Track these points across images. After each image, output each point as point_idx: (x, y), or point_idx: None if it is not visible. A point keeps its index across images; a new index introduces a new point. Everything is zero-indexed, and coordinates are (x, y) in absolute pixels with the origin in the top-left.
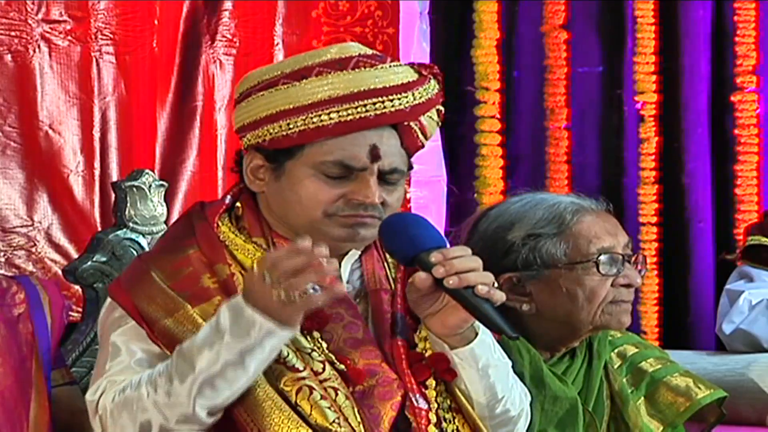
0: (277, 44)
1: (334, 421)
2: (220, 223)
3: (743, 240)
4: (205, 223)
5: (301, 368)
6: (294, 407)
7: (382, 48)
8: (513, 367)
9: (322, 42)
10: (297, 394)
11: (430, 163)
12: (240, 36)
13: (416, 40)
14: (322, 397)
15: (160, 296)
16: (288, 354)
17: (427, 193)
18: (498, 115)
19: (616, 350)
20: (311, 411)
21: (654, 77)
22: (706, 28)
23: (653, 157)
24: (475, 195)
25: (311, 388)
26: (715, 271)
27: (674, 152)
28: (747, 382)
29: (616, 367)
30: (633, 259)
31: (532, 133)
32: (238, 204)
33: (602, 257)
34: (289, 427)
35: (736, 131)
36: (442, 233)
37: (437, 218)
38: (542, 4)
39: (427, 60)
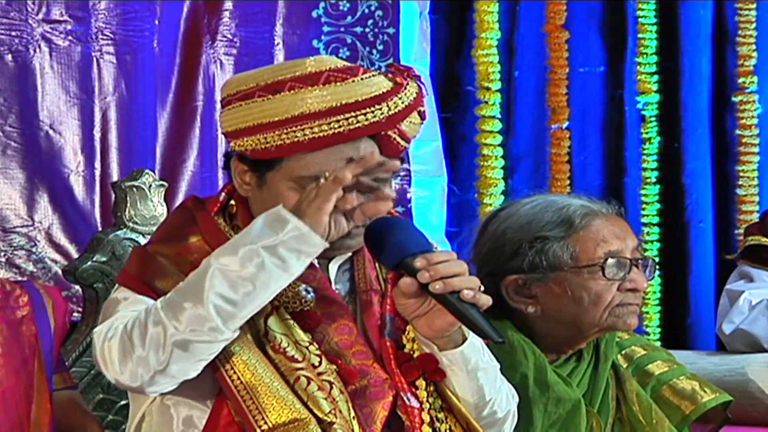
0: (278, 44)
1: (330, 412)
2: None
3: (743, 240)
4: (206, 213)
5: (299, 359)
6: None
7: (383, 48)
8: (517, 369)
9: (322, 42)
10: (294, 384)
11: (431, 163)
12: (240, 36)
13: (416, 40)
14: (319, 388)
15: (171, 275)
16: (288, 345)
17: (427, 193)
18: (499, 115)
19: (623, 352)
20: (307, 401)
21: (655, 77)
22: (707, 28)
23: (654, 157)
24: (476, 195)
25: (309, 379)
26: (715, 271)
27: (675, 152)
28: (747, 382)
29: (624, 368)
30: (641, 263)
31: (533, 133)
32: (232, 202)
33: (609, 261)
34: (290, 409)
35: (737, 131)
36: (444, 234)
37: (437, 218)
38: (543, 3)
39: (427, 60)
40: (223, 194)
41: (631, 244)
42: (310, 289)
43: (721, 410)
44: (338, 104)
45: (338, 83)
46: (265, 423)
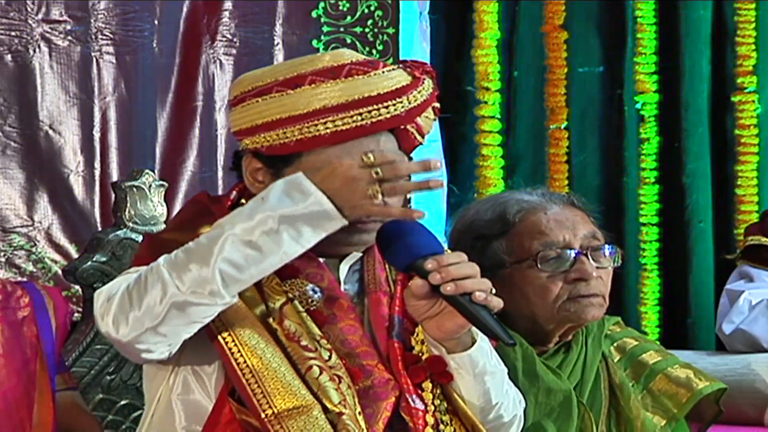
0: (277, 44)
1: (339, 403)
2: None
3: (743, 240)
4: (221, 205)
5: (312, 349)
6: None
7: (383, 48)
8: (506, 360)
9: (322, 42)
10: (306, 372)
11: None
12: (240, 36)
13: (416, 40)
14: (330, 379)
15: None
16: (302, 334)
17: (427, 192)
18: (498, 115)
19: (615, 344)
20: (318, 390)
21: (654, 77)
22: (707, 28)
23: (654, 157)
24: (475, 195)
25: (321, 369)
26: (715, 271)
27: (675, 152)
28: (747, 382)
29: (616, 360)
30: (592, 251)
31: (532, 133)
32: (243, 201)
33: (541, 253)
34: (296, 396)
35: (737, 131)
36: (442, 234)
37: (437, 218)
38: (542, 3)
39: (427, 60)
40: (234, 192)
41: (581, 233)
42: (317, 289)
43: (714, 404)
44: (360, 97)
45: (359, 76)
46: (270, 408)
